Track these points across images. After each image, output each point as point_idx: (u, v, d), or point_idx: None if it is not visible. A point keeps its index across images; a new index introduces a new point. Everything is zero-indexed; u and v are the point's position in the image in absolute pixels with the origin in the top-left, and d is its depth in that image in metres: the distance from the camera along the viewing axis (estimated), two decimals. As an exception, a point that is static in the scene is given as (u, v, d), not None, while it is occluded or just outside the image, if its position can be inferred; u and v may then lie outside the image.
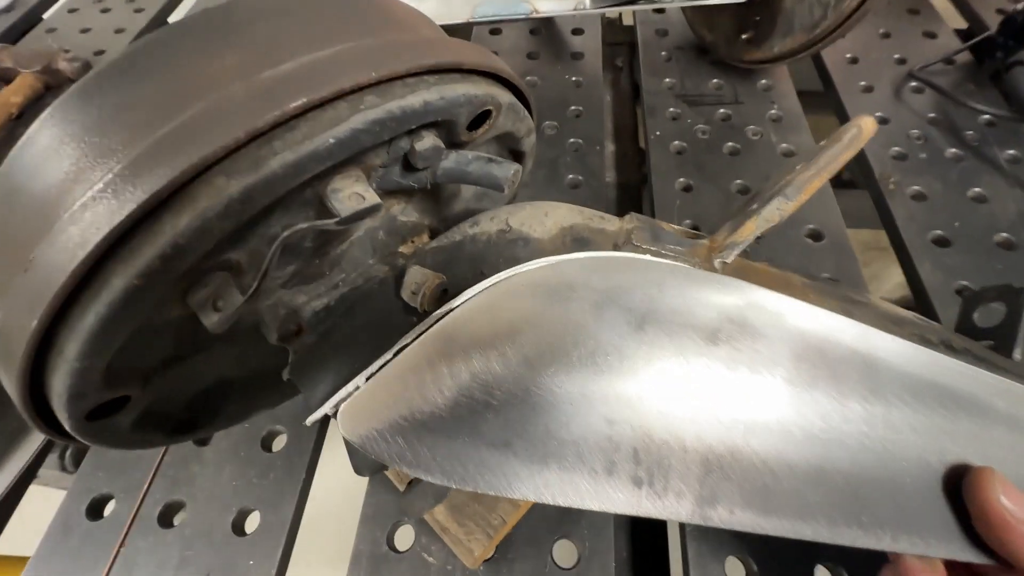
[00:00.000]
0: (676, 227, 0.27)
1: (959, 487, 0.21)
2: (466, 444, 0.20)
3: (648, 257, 0.23)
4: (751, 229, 0.24)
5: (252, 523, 0.36)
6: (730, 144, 0.53)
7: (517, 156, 0.30)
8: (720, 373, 0.22)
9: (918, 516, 0.21)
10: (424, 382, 0.21)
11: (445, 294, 0.22)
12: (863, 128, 0.27)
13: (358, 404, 0.21)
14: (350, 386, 0.21)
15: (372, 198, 0.19)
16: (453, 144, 0.23)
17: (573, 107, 0.58)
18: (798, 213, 0.47)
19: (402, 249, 0.25)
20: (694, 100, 0.57)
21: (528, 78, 0.61)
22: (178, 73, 0.18)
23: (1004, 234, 0.45)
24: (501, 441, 0.20)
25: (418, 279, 0.22)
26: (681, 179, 0.51)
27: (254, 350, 0.26)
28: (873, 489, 0.21)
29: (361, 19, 0.20)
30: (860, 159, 0.52)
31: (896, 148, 0.52)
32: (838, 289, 0.27)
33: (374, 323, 0.23)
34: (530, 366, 0.21)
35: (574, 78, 0.60)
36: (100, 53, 0.68)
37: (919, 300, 0.43)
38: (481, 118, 0.23)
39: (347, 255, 0.24)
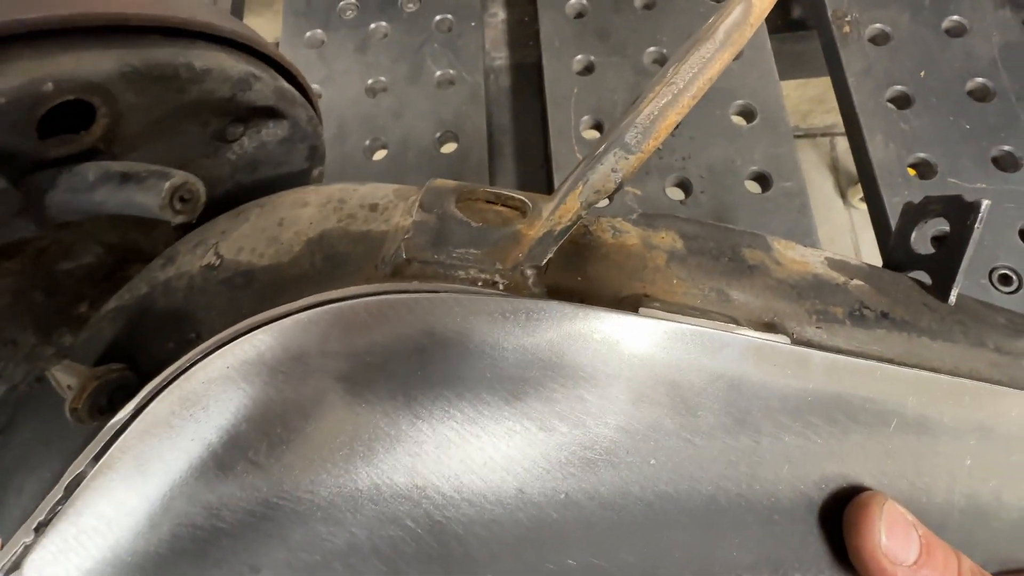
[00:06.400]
0: (488, 193, 0.19)
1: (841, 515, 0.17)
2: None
3: (413, 291, 0.15)
4: (573, 208, 0.16)
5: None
6: (643, -7, 0.40)
7: (275, 114, 0.20)
8: (530, 436, 0.16)
9: (789, 556, 0.17)
10: (121, 518, 0.15)
11: (118, 393, 0.15)
12: (754, 2, 0.17)
13: (44, 562, 0.15)
14: (16, 544, 0.15)
15: None
16: (39, 164, 0.14)
17: (438, -35, 0.43)
18: (724, 85, 0.37)
19: (82, 310, 0.17)
20: (596, -70, 0.42)
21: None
22: None
23: (979, 79, 0.36)
24: (248, 567, 0.16)
25: (69, 381, 0.15)
26: (579, 56, 0.39)
27: None
28: (732, 532, 0.17)
29: None
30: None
31: (857, -32, 0.39)
32: (722, 248, 0.20)
33: (46, 438, 0.16)
34: (260, 472, 0.15)
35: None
36: None
37: (865, 185, 0.35)
38: (80, 117, 0.13)
39: (-4, 334, 0.17)
